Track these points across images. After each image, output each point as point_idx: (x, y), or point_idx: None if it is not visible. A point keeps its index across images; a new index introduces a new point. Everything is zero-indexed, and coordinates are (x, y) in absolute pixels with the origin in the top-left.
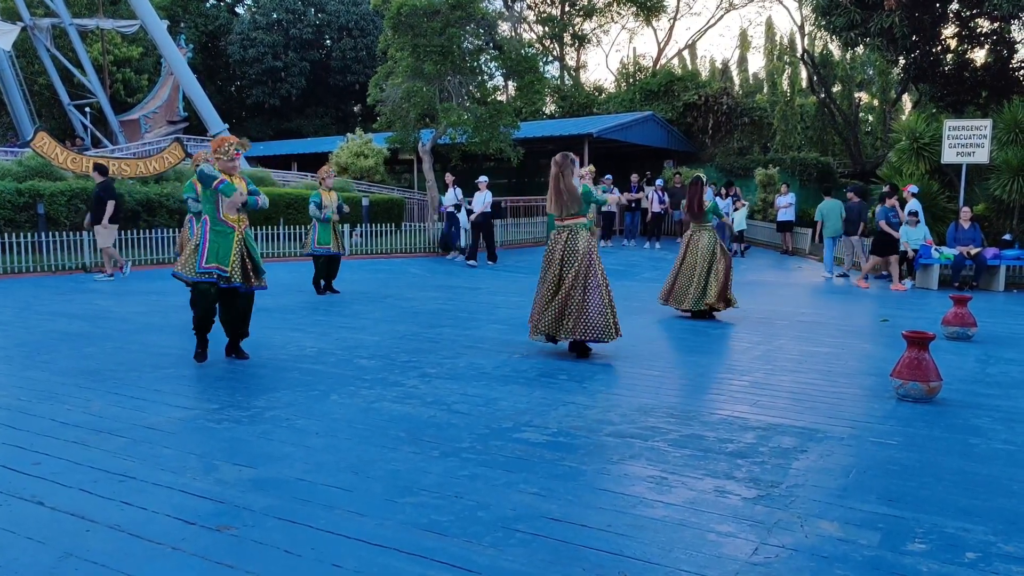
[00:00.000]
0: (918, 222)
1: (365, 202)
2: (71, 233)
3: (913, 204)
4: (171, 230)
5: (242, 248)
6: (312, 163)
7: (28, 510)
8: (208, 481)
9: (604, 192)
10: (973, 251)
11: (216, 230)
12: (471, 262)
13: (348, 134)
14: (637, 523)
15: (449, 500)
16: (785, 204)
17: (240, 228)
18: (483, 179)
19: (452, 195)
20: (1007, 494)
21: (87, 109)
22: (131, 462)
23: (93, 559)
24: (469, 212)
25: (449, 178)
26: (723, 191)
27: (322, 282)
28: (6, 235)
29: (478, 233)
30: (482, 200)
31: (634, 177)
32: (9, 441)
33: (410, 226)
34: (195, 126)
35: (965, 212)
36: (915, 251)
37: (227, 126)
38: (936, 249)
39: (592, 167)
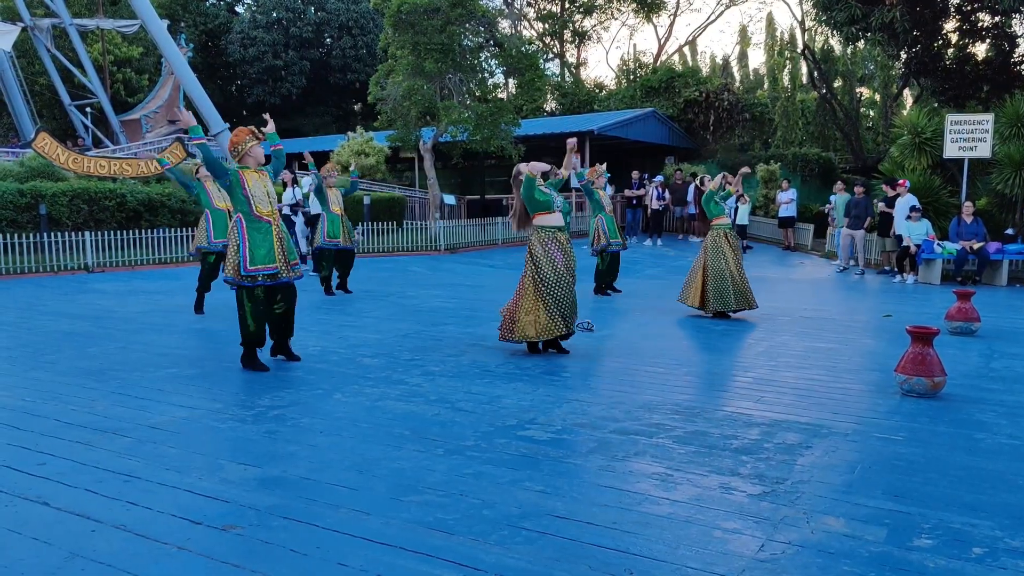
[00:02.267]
0: (920, 217)
1: (367, 200)
2: (73, 233)
3: (911, 199)
4: (173, 230)
5: (282, 240)
6: (314, 162)
7: (33, 510)
8: (213, 480)
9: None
10: (976, 246)
11: (253, 228)
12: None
13: (349, 132)
14: (643, 520)
15: (454, 498)
16: (786, 200)
17: (276, 220)
18: (310, 180)
19: (290, 195)
20: (1013, 489)
21: (88, 109)
22: (136, 462)
23: (99, 559)
24: (306, 215)
25: (287, 176)
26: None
27: (335, 280)
28: (8, 236)
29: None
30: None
31: (635, 174)
32: (14, 442)
33: (412, 224)
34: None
35: (967, 207)
36: (917, 246)
37: (228, 125)
38: (939, 244)
39: (599, 166)
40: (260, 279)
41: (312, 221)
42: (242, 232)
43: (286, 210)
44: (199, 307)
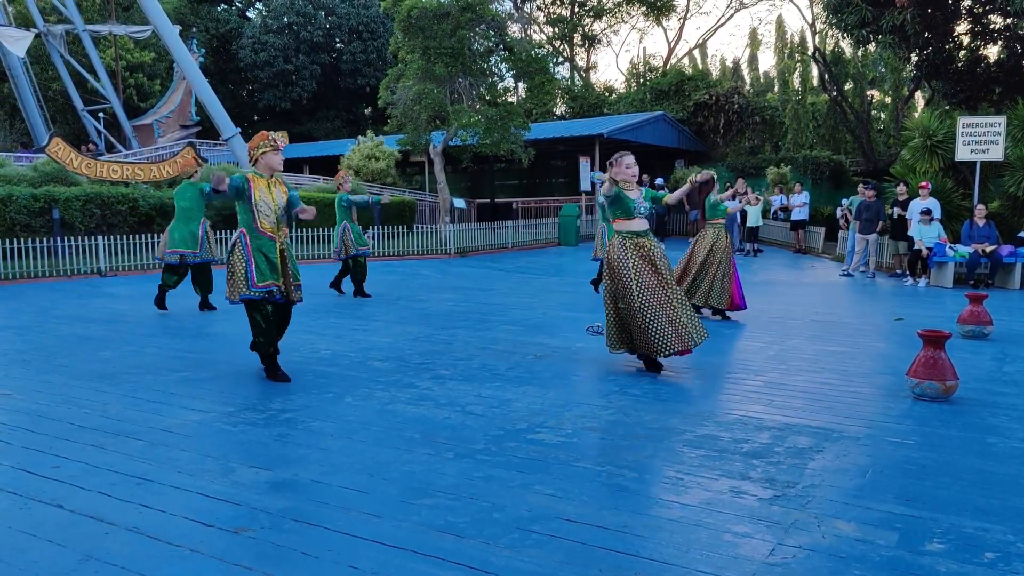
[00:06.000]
0: (932, 220)
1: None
2: (86, 238)
3: (931, 202)
4: None
5: (287, 259)
6: (324, 166)
7: (48, 513)
8: (225, 483)
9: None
10: (988, 249)
11: (256, 243)
12: None
13: (359, 137)
14: (653, 524)
15: (464, 501)
16: (799, 203)
17: (280, 239)
18: None
19: None
20: None
21: (100, 114)
22: (149, 465)
23: (112, 561)
24: None
25: None
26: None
27: (343, 285)
28: (22, 240)
29: None
30: None
31: (643, 177)
32: (28, 445)
33: (422, 228)
34: (207, 130)
35: (980, 210)
36: (929, 249)
37: (239, 130)
38: (951, 247)
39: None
40: (261, 295)
41: None
42: (247, 249)
43: None
44: (161, 303)
